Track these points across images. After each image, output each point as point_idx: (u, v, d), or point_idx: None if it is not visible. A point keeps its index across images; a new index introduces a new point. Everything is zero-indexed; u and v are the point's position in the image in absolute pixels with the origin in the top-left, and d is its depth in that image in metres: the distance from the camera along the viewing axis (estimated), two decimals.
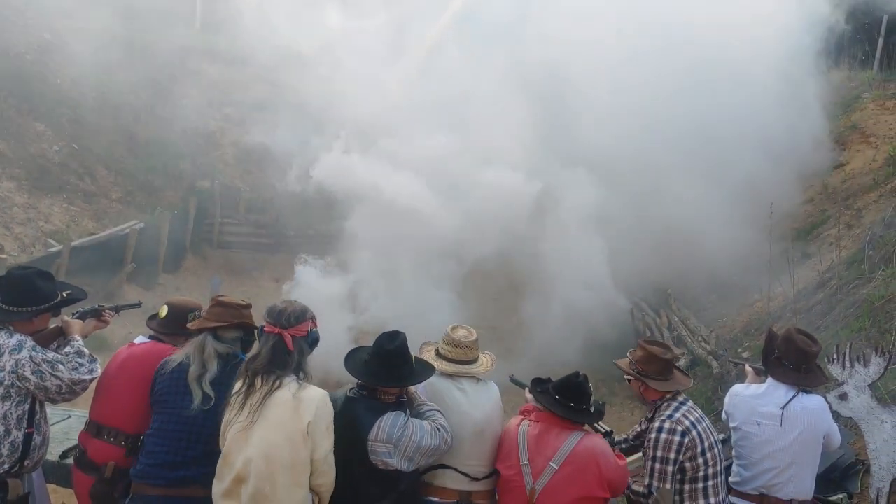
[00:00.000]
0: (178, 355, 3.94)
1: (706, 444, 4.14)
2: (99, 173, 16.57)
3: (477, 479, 4.04)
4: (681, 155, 14.90)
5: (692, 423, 4.16)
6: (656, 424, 4.20)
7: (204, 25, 21.52)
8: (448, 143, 14.43)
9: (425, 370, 4.05)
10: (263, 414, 3.46)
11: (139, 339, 4.43)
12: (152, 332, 4.44)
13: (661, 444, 4.12)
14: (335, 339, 9.99)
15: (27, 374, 3.74)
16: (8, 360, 3.74)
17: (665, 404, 4.30)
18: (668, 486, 4.08)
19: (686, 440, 4.08)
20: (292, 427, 3.44)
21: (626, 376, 4.49)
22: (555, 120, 14.80)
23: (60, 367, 3.83)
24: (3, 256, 12.18)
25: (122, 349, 4.40)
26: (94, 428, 4.18)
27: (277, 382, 3.51)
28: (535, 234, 14.50)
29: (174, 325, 4.33)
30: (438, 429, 3.82)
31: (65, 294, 4.10)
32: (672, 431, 4.11)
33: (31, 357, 3.77)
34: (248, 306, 4.13)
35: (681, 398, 4.34)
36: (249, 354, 3.70)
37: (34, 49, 17.22)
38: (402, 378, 3.90)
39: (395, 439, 3.69)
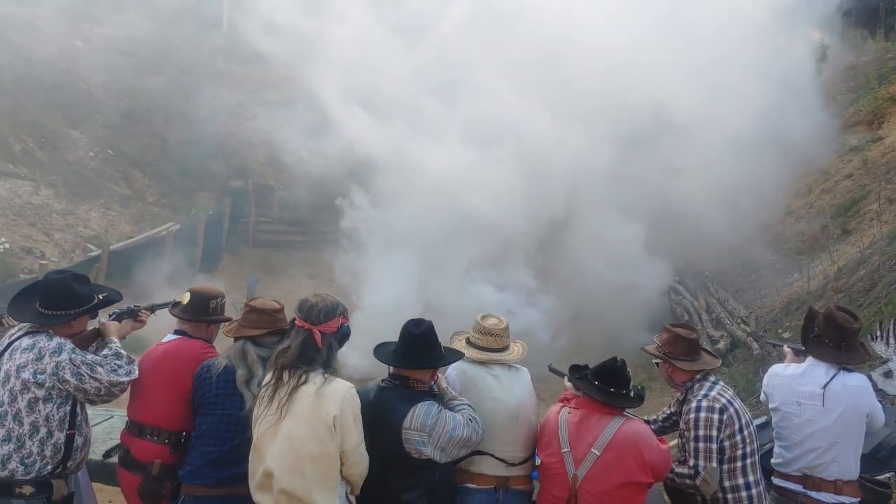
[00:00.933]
0: (220, 360, 3.99)
1: (742, 422, 4.12)
2: (134, 177, 16.84)
3: (513, 465, 4.05)
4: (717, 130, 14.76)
5: (728, 401, 4.14)
6: (693, 404, 4.16)
7: (231, 27, 21.69)
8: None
9: (454, 354, 4.08)
10: (291, 409, 3.48)
11: (167, 338, 4.46)
12: (176, 328, 4.49)
13: (701, 422, 4.07)
14: None
15: (67, 376, 3.78)
16: (48, 363, 3.78)
17: (697, 385, 4.28)
18: (714, 464, 4.03)
19: (725, 417, 4.07)
20: (317, 421, 3.45)
21: (654, 360, 4.50)
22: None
23: (99, 369, 3.87)
24: (45, 262, 12.44)
25: (151, 348, 4.44)
26: (136, 428, 4.23)
27: (303, 378, 3.52)
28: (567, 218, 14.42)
29: (196, 312, 4.37)
30: (471, 420, 3.83)
31: (101, 296, 4.13)
32: (711, 409, 4.08)
33: (70, 359, 3.81)
34: (281, 309, 4.15)
35: (712, 378, 4.33)
36: (279, 347, 3.71)
37: (66, 57, 17.51)
38: (432, 360, 3.93)
39: (428, 427, 3.70)
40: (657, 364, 4.51)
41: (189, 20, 19.39)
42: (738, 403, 4.21)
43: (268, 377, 3.64)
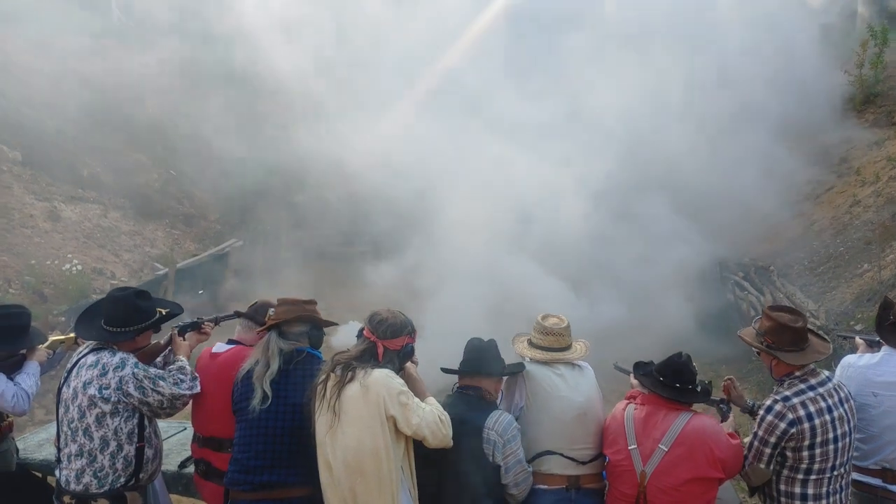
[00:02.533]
0: (248, 362, 4.00)
1: (819, 440, 3.75)
2: (196, 196, 17.26)
3: (583, 463, 4.03)
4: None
5: (810, 414, 3.75)
6: (768, 402, 3.89)
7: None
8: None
9: (516, 366, 4.17)
10: (342, 407, 3.52)
11: (218, 347, 4.52)
12: (230, 337, 4.57)
13: (764, 424, 3.83)
14: None
15: (131, 390, 3.88)
16: (112, 378, 3.87)
17: (788, 382, 3.90)
18: (762, 465, 3.87)
19: (793, 431, 3.74)
20: (367, 415, 3.48)
21: (754, 350, 4.13)
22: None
23: (161, 382, 3.96)
24: (115, 282, 12.84)
25: (203, 357, 4.49)
26: (214, 444, 4.30)
27: (350, 374, 3.56)
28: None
29: (255, 315, 4.46)
30: (527, 470, 3.92)
31: (163, 311, 4.24)
32: (780, 416, 3.78)
33: (133, 374, 3.90)
34: (312, 302, 4.16)
35: (815, 380, 3.88)
36: (341, 350, 3.77)
37: (127, 84, 18.07)
38: (499, 369, 4.04)
39: (506, 438, 3.79)
40: (757, 353, 4.11)
41: (240, 39, 19.80)
42: (826, 418, 3.76)
43: (321, 376, 3.68)
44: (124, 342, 4.07)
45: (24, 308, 4.93)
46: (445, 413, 3.62)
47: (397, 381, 3.58)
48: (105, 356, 3.95)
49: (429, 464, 3.75)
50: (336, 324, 4.12)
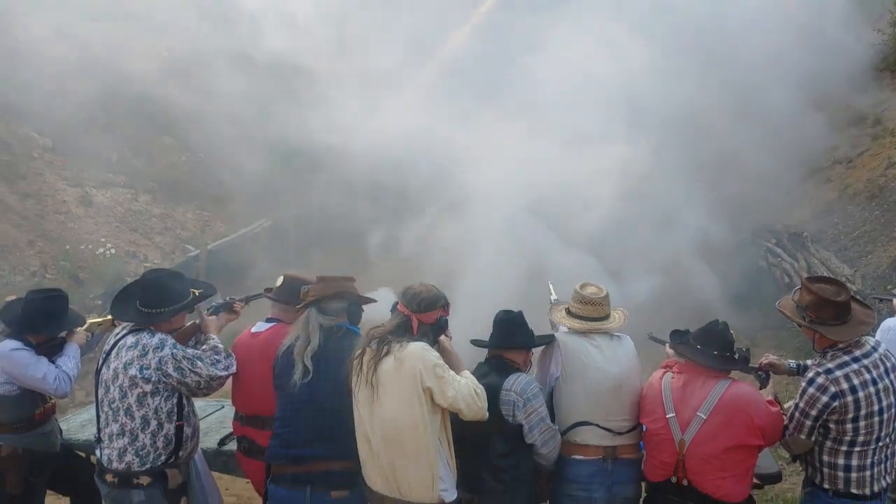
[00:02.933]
0: (289, 338, 4.00)
1: (863, 412, 3.64)
2: (224, 179, 17.36)
3: (620, 434, 4.02)
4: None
5: (854, 387, 3.63)
6: (811, 374, 3.76)
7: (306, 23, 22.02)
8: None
9: (545, 337, 4.17)
10: (379, 381, 3.53)
11: (258, 326, 4.55)
12: (269, 315, 4.60)
13: (806, 397, 3.72)
14: None
15: (170, 370, 3.91)
16: (152, 359, 3.91)
17: (832, 354, 3.77)
18: (803, 436, 3.79)
19: (835, 404, 3.63)
20: (405, 390, 3.49)
21: (794, 323, 3.98)
22: None
23: (199, 363, 3.99)
24: (148, 265, 13.01)
25: (243, 336, 4.53)
26: (258, 422, 4.34)
27: (386, 348, 3.56)
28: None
29: (288, 295, 4.44)
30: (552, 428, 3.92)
31: (196, 292, 4.28)
32: (822, 389, 3.66)
33: (172, 354, 3.93)
34: (351, 278, 4.16)
35: (859, 351, 3.74)
36: (375, 325, 3.77)
37: (152, 68, 18.16)
38: (525, 341, 4.07)
39: (526, 396, 3.81)
40: (799, 326, 3.95)
41: (264, 21, 19.77)
42: (871, 390, 3.64)
43: (357, 351, 3.69)
44: (160, 323, 4.11)
45: (62, 291, 5.00)
46: (481, 386, 3.61)
47: (433, 354, 3.57)
48: (144, 337, 3.98)
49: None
50: (374, 300, 4.11)
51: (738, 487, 3.78)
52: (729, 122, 15.17)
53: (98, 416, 4.10)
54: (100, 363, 4.12)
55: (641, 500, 4.16)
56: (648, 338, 4.77)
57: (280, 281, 4.56)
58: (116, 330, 4.24)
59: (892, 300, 4.86)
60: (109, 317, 4.89)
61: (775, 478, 4.58)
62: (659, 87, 14.50)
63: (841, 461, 3.76)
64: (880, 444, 3.73)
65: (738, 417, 3.71)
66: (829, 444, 3.79)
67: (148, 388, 3.91)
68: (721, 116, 15.02)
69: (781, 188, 15.06)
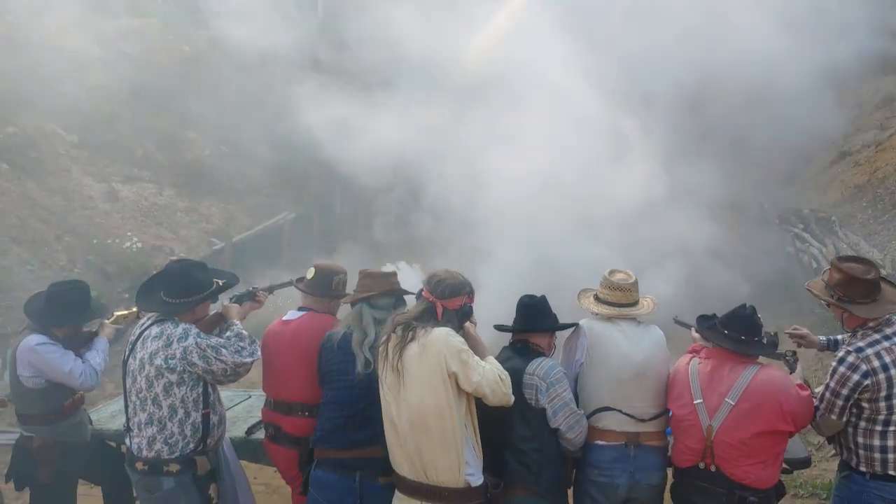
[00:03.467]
0: (339, 328, 4.11)
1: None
2: (248, 172, 17.44)
3: (643, 420, 3.99)
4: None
5: (885, 365, 3.65)
6: (841, 353, 3.78)
7: (326, 15, 22.05)
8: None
9: (569, 323, 4.18)
10: (404, 366, 3.57)
11: (290, 315, 4.60)
12: (300, 305, 4.62)
13: (836, 376, 3.73)
14: None
15: (195, 359, 3.96)
16: (177, 349, 3.96)
17: (862, 333, 3.80)
18: (834, 417, 3.78)
19: (867, 382, 3.64)
20: (430, 375, 3.52)
21: (822, 302, 4.03)
22: None
23: (224, 351, 4.03)
24: (174, 258, 13.12)
25: (274, 325, 4.59)
26: (283, 407, 4.42)
27: (411, 334, 3.60)
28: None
29: (320, 287, 4.52)
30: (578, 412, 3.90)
31: (220, 282, 4.33)
32: (853, 368, 3.68)
33: (196, 343, 3.98)
34: (394, 274, 4.28)
35: (890, 329, 3.76)
36: (399, 311, 3.84)
37: (177, 62, 18.28)
38: (551, 324, 4.08)
39: (549, 380, 3.80)
40: (828, 305, 4.01)
41: (283, 15, 19.80)
42: None
43: (383, 337, 3.74)
44: (184, 313, 4.15)
45: (82, 282, 5.06)
46: (506, 372, 3.63)
47: (457, 339, 3.60)
48: (168, 327, 4.03)
49: None
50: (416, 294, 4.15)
51: (767, 473, 3.74)
52: (751, 102, 14.99)
53: (126, 406, 4.16)
54: (126, 354, 4.17)
55: (669, 485, 4.13)
56: (674, 321, 4.73)
57: (311, 273, 4.59)
58: (142, 321, 4.29)
59: None
60: (135, 309, 4.94)
61: (805, 463, 4.54)
62: (676, 67, 14.32)
63: (877, 442, 3.74)
64: None
65: (767, 403, 3.68)
66: (863, 424, 3.77)
67: (174, 377, 3.97)
68: (741, 97, 14.84)
69: (811, 171, 14.86)
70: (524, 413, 3.82)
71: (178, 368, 3.96)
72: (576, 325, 4.19)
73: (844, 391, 3.71)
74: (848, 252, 12.57)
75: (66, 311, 4.80)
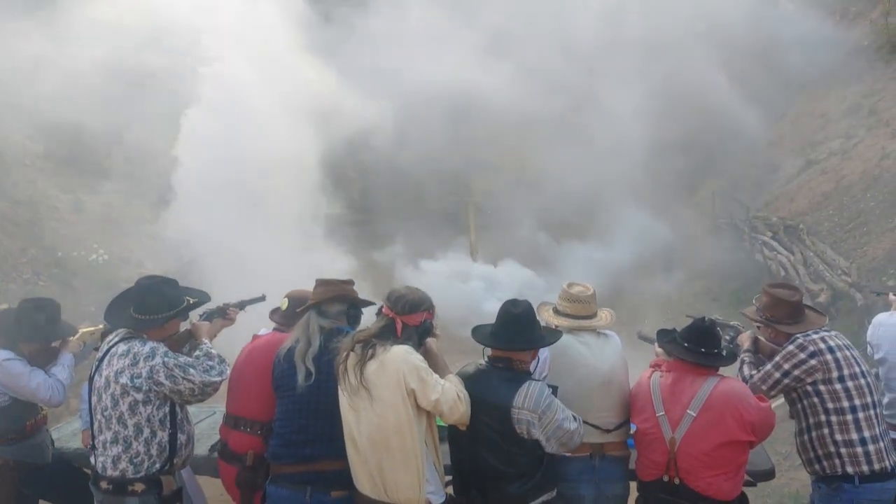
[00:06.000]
0: (289, 340, 4.03)
1: (846, 373, 3.86)
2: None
3: (608, 431, 4.00)
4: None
5: (831, 348, 3.91)
6: (788, 341, 4.02)
7: None
8: None
9: (553, 334, 4.02)
10: (364, 384, 3.53)
11: (262, 332, 4.57)
12: (275, 325, 4.59)
13: (784, 352, 3.97)
14: None
15: (161, 378, 3.88)
16: (143, 368, 3.89)
17: (794, 337, 4.06)
18: (764, 388, 3.97)
19: (814, 361, 3.87)
20: (389, 392, 3.49)
21: (754, 324, 4.30)
22: None
23: (192, 370, 3.95)
24: (142, 271, 12.96)
25: (248, 344, 4.54)
26: (231, 420, 4.36)
27: (371, 352, 3.57)
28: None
29: (295, 316, 4.42)
30: (575, 417, 3.78)
31: (191, 300, 4.25)
32: (801, 347, 3.93)
33: (163, 363, 3.90)
34: (350, 282, 4.21)
35: (823, 330, 4.07)
36: (360, 328, 3.79)
37: (144, 73, 18.06)
38: (534, 340, 3.89)
39: (540, 410, 3.65)
40: (758, 328, 4.31)
41: None
42: (845, 353, 3.92)
43: (342, 355, 3.68)
44: (153, 330, 4.08)
45: (53, 300, 4.98)
46: (465, 391, 3.60)
47: (416, 357, 3.57)
48: (136, 345, 3.96)
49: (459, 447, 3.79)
50: (374, 303, 4.10)
51: (730, 484, 3.76)
52: (719, 105, 15.19)
53: (91, 424, 4.08)
54: (93, 370, 4.10)
55: (635, 500, 4.13)
56: (638, 337, 4.76)
57: (285, 304, 4.56)
58: (109, 337, 4.21)
59: (888, 294, 4.84)
60: (101, 326, 4.89)
61: (769, 475, 4.57)
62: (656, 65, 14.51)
63: (854, 436, 3.82)
64: (876, 410, 3.87)
65: (728, 413, 3.70)
66: (834, 418, 3.85)
67: (139, 396, 3.89)
68: (711, 99, 15.04)
69: (779, 180, 15.08)
70: (511, 449, 3.69)
71: (144, 388, 3.88)
72: (560, 335, 4.05)
73: (787, 366, 3.92)
74: (815, 260, 12.75)
75: (35, 329, 4.73)
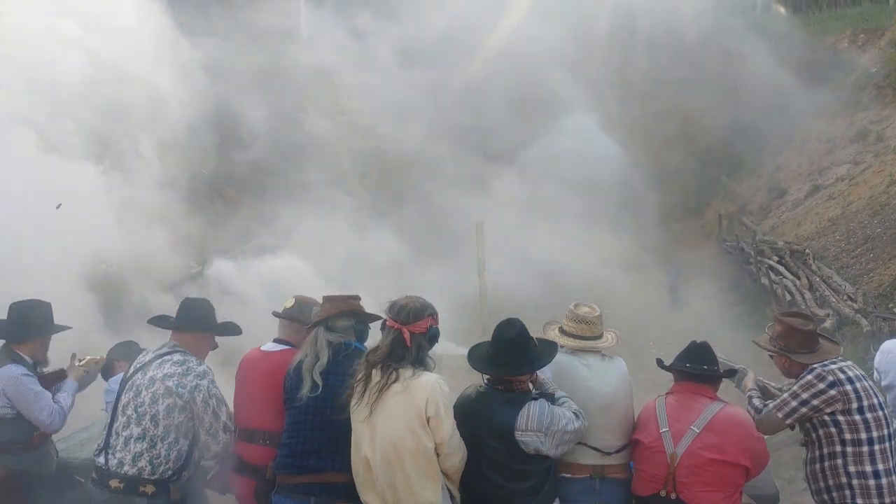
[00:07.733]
0: (299, 354, 4.10)
1: (866, 404, 3.83)
2: (227, 194, 17.29)
3: (608, 454, 4.01)
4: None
5: (850, 378, 3.87)
6: (805, 371, 3.98)
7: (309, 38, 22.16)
8: None
9: (551, 349, 4.01)
10: (382, 406, 3.56)
11: (269, 346, 4.59)
12: (276, 337, 4.61)
13: (802, 382, 3.92)
14: None
15: (198, 399, 4.09)
16: (191, 381, 4.10)
17: (810, 368, 4.02)
18: (780, 415, 3.93)
19: (833, 392, 3.83)
20: (410, 415, 3.52)
21: (768, 354, 4.28)
22: None
23: (224, 408, 4.19)
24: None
25: (252, 352, 4.56)
26: (246, 435, 4.37)
27: (394, 375, 3.60)
28: None
29: (301, 314, 4.49)
30: (577, 414, 3.81)
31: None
32: (820, 378, 3.88)
33: (208, 388, 4.13)
34: (356, 297, 4.28)
35: (840, 359, 4.05)
36: (371, 347, 3.80)
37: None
38: (531, 362, 3.89)
39: (545, 427, 3.70)
40: (772, 356, 4.28)
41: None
42: (863, 384, 3.90)
43: (358, 375, 3.72)
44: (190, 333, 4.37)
45: (43, 301, 5.05)
46: (465, 449, 3.66)
47: (446, 390, 3.63)
48: (193, 360, 4.20)
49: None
50: (380, 317, 4.12)
51: None
52: (728, 129, 15.23)
53: (113, 422, 4.18)
54: (131, 371, 4.26)
55: None
56: (657, 364, 4.75)
57: (291, 302, 4.60)
58: (158, 347, 4.34)
59: (894, 320, 4.86)
60: (104, 356, 5.29)
61: (773, 499, 4.57)
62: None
63: (868, 468, 3.81)
64: (892, 442, 3.84)
65: (731, 434, 3.75)
66: (850, 449, 3.83)
67: (179, 402, 4.08)
68: (715, 123, 15.09)
69: (786, 204, 15.10)
70: (519, 468, 3.74)
71: (185, 397, 4.08)
72: (556, 347, 4.06)
73: (805, 395, 3.88)
74: (821, 285, 12.74)
75: (28, 327, 4.82)
